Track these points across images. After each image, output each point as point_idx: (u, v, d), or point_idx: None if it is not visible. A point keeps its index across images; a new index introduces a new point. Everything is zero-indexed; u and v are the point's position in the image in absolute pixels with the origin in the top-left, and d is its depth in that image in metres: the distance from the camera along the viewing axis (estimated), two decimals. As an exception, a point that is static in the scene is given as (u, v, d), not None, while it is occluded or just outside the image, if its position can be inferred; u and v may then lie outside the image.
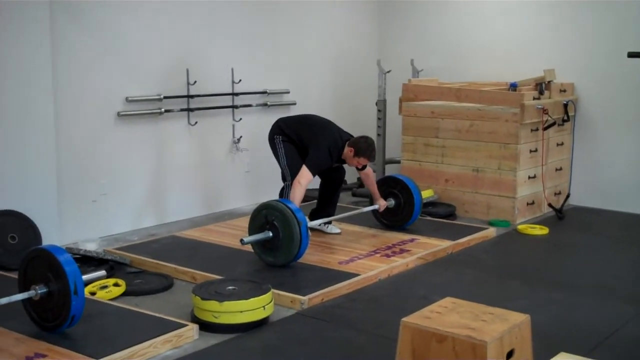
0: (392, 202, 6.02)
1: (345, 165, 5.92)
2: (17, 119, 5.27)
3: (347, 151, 5.55)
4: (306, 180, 5.40)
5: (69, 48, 5.61)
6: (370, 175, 5.89)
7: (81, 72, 5.74)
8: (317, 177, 5.83)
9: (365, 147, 5.50)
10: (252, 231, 5.12)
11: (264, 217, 5.04)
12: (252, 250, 5.18)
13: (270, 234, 4.99)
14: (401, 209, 6.03)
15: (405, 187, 6.00)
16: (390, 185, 6.08)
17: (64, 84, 5.59)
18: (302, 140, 5.65)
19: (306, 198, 6.68)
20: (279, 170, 5.77)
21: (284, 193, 5.65)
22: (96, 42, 5.81)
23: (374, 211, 6.06)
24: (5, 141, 5.22)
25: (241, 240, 5.01)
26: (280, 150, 5.67)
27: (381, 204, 5.92)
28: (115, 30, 5.93)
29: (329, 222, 5.92)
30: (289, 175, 5.61)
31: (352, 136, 5.67)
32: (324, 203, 5.94)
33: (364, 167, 5.76)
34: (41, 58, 5.36)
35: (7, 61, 5.17)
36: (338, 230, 5.94)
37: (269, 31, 7.26)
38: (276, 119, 5.89)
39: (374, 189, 5.92)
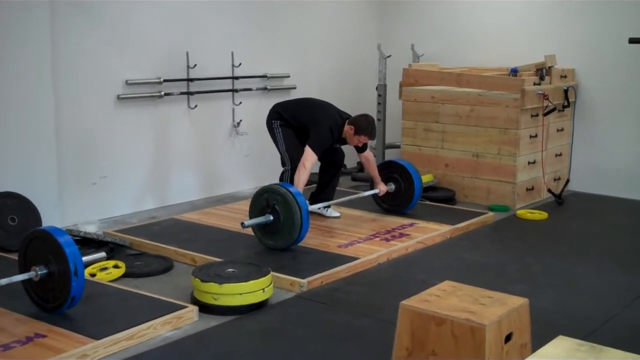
0: (392, 186, 6.03)
1: (345, 149, 5.92)
2: (18, 102, 5.26)
3: (348, 129, 5.55)
4: (310, 162, 5.41)
5: (69, 31, 5.59)
6: (371, 160, 5.89)
7: (81, 55, 5.72)
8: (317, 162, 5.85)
9: (365, 125, 5.51)
10: (253, 214, 5.13)
11: (265, 200, 5.05)
12: (253, 234, 5.19)
13: (271, 218, 5.00)
14: (401, 194, 6.04)
15: (405, 172, 6.01)
16: (390, 170, 6.09)
17: (64, 66, 5.58)
18: (300, 123, 5.65)
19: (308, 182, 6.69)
20: (279, 154, 5.77)
21: (284, 177, 5.65)
22: (96, 25, 5.80)
23: (374, 195, 6.07)
24: (6, 123, 5.22)
25: (242, 224, 5.02)
26: (279, 134, 5.67)
27: (382, 188, 5.93)
28: (115, 13, 5.91)
29: (328, 206, 5.93)
30: (288, 159, 5.62)
31: (350, 115, 5.67)
32: (323, 187, 5.94)
33: (365, 148, 5.76)
34: (41, 41, 5.34)
35: (7, 44, 5.16)
36: (337, 214, 5.95)
37: (269, 15, 7.24)
38: (273, 104, 5.88)
39: (374, 173, 5.93)
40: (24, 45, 5.24)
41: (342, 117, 5.64)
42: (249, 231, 5.33)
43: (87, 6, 5.72)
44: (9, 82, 5.20)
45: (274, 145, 5.80)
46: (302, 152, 5.49)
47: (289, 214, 4.93)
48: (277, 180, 5.73)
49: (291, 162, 5.58)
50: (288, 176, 5.57)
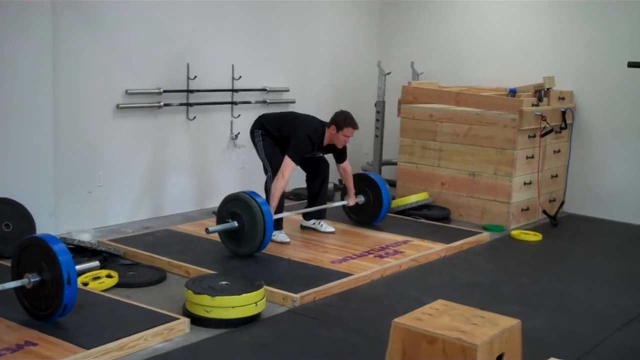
0: (362, 199, 6.16)
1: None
2: (16, 109, 5.26)
3: (330, 132, 5.58)
4: (289, 170, 5.43)
5: (70, 40, 5.61)
6: (348, 171, 5.95)
7: (82, 63, 5.73)
8: (302, 174, 5.91)
9: (343, 118, 5.56)
10: (219, 221, 5.23)
11: (231, 207, 5.14)
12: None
13: (236, 224, 5.09)
14: (370, 207, 6.17)
15: (375, 186, 6.14)
16: (362, 183, 6.19)
17: (64, 74, 5.59)
18: (282, 134, 5.67)
19: (297, 197, 6.72)
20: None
21: (267, 185, 5.63)
22: (97, 35, 5.82)
23: (344, 206, 6.15)
24: (4, 130, 5.22)
25: (206, 230, 5.11)
26: (259, 143, 5.70)
27: (351, 201, 6.02)
28: (116, 23, 5.93)
29: (322, 220, 5.94)
30: (269, 166, 5.63)
31: None
32: (313, 200, 5.95)
33: (344, 158, 5.81)
34: (42, 49, 5.35)
35: (8, 52, 5.17)
36: (332, 229, 5.95)
37: (270, 29, 7.27)
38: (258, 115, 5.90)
39: (350, 184, 6.00)
40: (25, 53, 5.25)
41: (322, 125, 5.67)
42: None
43: (89, 16, 5.74)
44: (9, 90, 5.21)
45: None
46: (282, 159, 5.51)
47: (252, 222, 5.01)
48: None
49: (272, 167, 5.58)
50: (270, 183, 5.56)
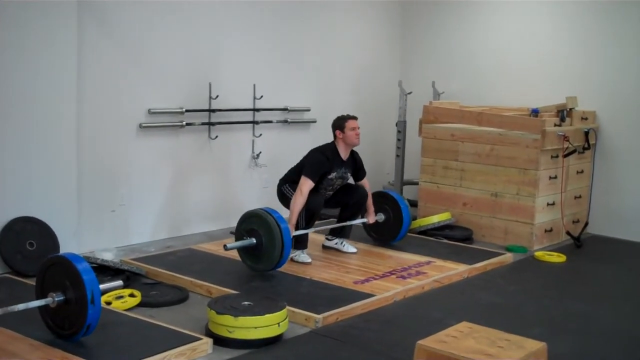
0: (382, 217, 6.14)
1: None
2: (41, 128, 5.32)
3: (338, 136, 5.61)
4: (307, 187, 5.41)
5: (94, 59, 5.67)
6: (367, 188, 5.92)
7: (106, 83, 5.80)
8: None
9: (338, 119, 5.64)
10: (237, 238, 5.26)
11: (249, 224, 5.17)
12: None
13: (254, 241, 5.11)
14: (390, 225, 6.14)
15: (395, 204, 6.12)
16: (382, 201, 6.17)
17: (89, 94, 5.65)
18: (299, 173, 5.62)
19: (322, 216, 6.70)
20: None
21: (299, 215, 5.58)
22: (121, 54, 5.88)
23: (364, 224, 6.12)
24: (29, 149, 5.27)
25: (225, 246, 5.14)
26: (289, 192, 5.64)
27: (370, 219, 6.00)
28: (140, 43, 6.00)
29: (344, 240, 5.93)
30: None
31: None
32: (342, 226, 5.93)
33: (362, 176, 5.84)
34: (67, 68, 5.41)
35: (33, 70, 5.23)
36: (354, 250, 5.93)
37: (291, 49, 7.31)
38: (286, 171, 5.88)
39: (369, 202, 5.97)
40: (49, 72, 5.31)
41: (330, 142, 5.70)
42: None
43: (113, 36, 5.81)
44: (33, 109, 5.26)
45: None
46: (322, 197, 5.56)
47: (270, 238, 5.03)
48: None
49: (309, 201, 5.47)
50: (303, 216, 5.51)
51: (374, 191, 6.22)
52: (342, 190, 5.84)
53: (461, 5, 7.91)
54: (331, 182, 5.67)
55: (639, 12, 6.86)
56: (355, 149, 5.81)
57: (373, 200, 6.04)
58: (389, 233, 6.20)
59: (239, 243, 5.18)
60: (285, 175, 5.81)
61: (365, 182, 5.92)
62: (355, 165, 5.80)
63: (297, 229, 5.54)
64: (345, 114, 5.71)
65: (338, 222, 5.99)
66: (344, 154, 5.65)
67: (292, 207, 5.38)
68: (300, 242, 5.56)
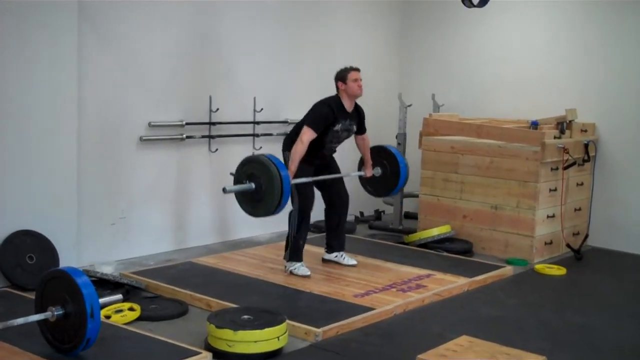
0: (378, 170, 6.13)
1: (355, 193, 5.91)
2: (41, 141, 5.32)
3: (341, 88, 5.59)
4: (307, 137, 5.38)
5: (95, 72, 5.68)
6: (367, 141, 5.93)
7: (106, 96, 5.81)
8: (321, 204, 5.87)
9: (341, 70, 5.63)
10: (236, 182, 5.23)
11: (249, 169, 5.15)
12: (266, 280, 5.26)
13: (253, 186, 5.10)
14: (386, 179, 6.14)
15: (392, 158, 6.12)
16: (380, 155, 6.16)
17: (89, 107, 5.66)
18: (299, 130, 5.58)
19: (318, 230, 6.69)
20: None
21: (290, 218, 5.56)
22: (122, 67, 5.89)
23: (360, 177, 6.15)
24: (29, 162, 5.27)
25: (223, 189, 5.13)
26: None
27: (368, 173, 6.00)
28: (141, 56, 6.01)
29: (344, 253, 5.93)
30: (296, 199, 5.49)
31: None
32: (332, 232, 5.93)
33: (363, 131, 5.82)
34: (67, 81, 5.43)
35: (34, 84, 5.24)
36: (354, 262, 5.93)
37: (291, 63, 7.32)
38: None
39: (367, 156, 5.99)
40: (50, 85, 5.32)
41: (334, 95, 5.67)
42: (266, 277, 5.36)
43: (113, 48, 5.83)
44: (34, 122, 5.27)
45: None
46: (312, 195, 5.53)
47: (270, 185, 5.01)
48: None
49: (300, 200, 5.48)
50: (295, 216, 5.50)
51: (373, 145, 6.22)
52: (335, 188, 5.81)
53: (460, 17, 7.93)
54: (337, 135, 5.62)
55: (639, 25, 6.88)
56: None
57: (371, 154, 6.04)
58: (384, 187, 6.20)
59: (238, 187, 5.16)
60: (288, 136, 5.72)
61: (365, 136, 5.90)
62: (360, 117, 5.77)
63: (287, 236, 5.55)
64: (347, 66, 5.67)
65: (326, 230, 5.97)
66: (348, 105, 5.61)
67: (293, 155, 5.33)
68: (296, 253, 5.55)
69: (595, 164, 7.10)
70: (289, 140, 5.62)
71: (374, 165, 6.07)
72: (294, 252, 5.55)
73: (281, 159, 5.44)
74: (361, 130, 5.84)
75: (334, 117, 5.51)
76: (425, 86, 8.22)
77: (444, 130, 7.15)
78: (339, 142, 5.73)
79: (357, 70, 5.65)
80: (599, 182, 7.11)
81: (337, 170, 5.88)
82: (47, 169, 5.37)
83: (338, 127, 5.57)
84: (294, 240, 5.55)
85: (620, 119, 7.02)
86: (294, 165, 5.32)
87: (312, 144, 5.46)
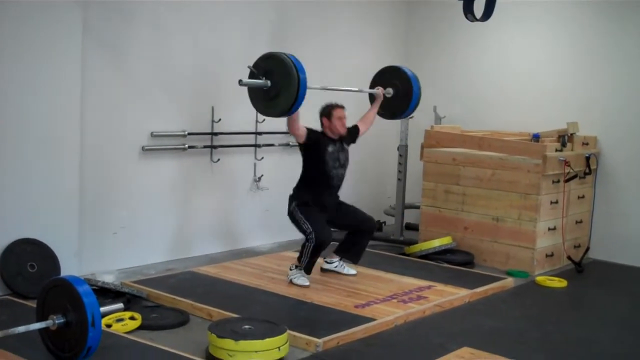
0: (390, 91, 6.10)
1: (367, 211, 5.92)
2: (43, 149, 5.33)
3: (324, 123, 5.67)
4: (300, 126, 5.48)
5: (97, 81, 5.70)
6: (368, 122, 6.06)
7: (108, 105, 5.82)
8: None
9: (325, 106, 5.71)
10: (252, 76, 5.18)
11: (267, 65, 5.12)
12: (267, 290, 5.26)
13: (269, 84, 5.08)
14: (398, 100, 6.10)
15: (405, 78, 6.07)
16: (392, 76, 6.15)
17: (92, 117, 5.67)
18: (305, 167, 5.72)
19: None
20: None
21: (305, 246, 5.52)
22: (124, 77, 5.91)
23: (370, 95, 6.20)
24: (30, 170, 5.28)
25: (239, 81, 5.07)
26: (298, 215, 5.57)
27: (380, 90, 6.05)
28: (143, 66, 6.03)
29: (344, 262, 5.93)
30: (309, 226, 5.47)
31: None
32: (348, 246, 5.90)
33: (357, 133, 5.88)
34: (70, 91, 5.44)
35: (36, 93, 5.25)
36: (354, 272, 5.92)
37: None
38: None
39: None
40: (52, 95, 5.34)
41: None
42: (268, 287, 5.37)
43: (117, 58, 5.85)
44: (36, 131, 5.28)
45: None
46: (321, 219, 5.54)
47: (286, 86, 4.99)
48: (294, 237, 5.75)
49: (312, 228, 5.44)
50: (311, 246, 5.47)
51: (385, 66, 6.27)
52: (352, 217, 5.83)
53: (463, 31, 7.95)
54: (335, 157, 5.66)
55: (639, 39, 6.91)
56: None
57: (384, 73, 6.13)
58: (397, 108, 6.15)
59: (254, 81, 5.12)
60: (293, 190, 5.76)
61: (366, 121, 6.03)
62: (350, 134, 5.82)
63: (299, 260, 5.54)
64: (333, 103, 5.72)
65: (346, 239, 5.91)
66: (329, 132, 5.68)
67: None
68: (307, 267, 5.56)
69: (596, 177, 7.11)
70: (296, 195, 5.69)
71: (385, 87, 6.08)
72: (309, 265, 5.56)
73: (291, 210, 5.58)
74: (357, 135, 5.89)
75: (323, 139, 5.62)
76: (427, 98, 8.17)
77: (445, 142, 7.17)
78: (342, 165, 5.74)
79: (342, 107, 5.73)
80: (600, 195, 7.12)
81: (354, 209, 5.89)
82: (49, 178, 5.38)
83: (331, 148, 5.65)
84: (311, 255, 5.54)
85: (622, 132, 7.03)
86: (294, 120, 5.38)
87: (319, 177, 5.57)
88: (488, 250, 6.73)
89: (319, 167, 5.61)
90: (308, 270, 5.60)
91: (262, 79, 5.11)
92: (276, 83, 5.06)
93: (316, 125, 5.74)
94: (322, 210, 5.63)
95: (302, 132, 5.53)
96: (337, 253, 5.94)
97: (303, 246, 5.55)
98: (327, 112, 5.67)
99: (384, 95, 6.07)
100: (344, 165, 5.77)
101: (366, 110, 6.16)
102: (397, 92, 6.10)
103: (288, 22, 7.24)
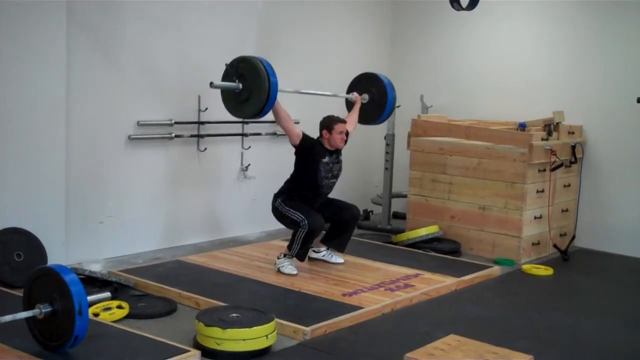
0: (366, 97, 6.21)
1: (356, 203, 5.94)
2: (29, 138, 5.31)
3: (324, 135, 5.67)
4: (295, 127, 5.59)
5: (83, 70, 5.67)
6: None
7: (95, 94, 5.80)
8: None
9: (329, 120, 5.72)
10: (226, 77, 5.30)
11: (241, 68, 5.20)
12: (254, 278, 5.27)
13: (241, 86, 5.17)
14: (373, 107, 6.21)
15: (380, 85, 6.18)
16: (367, 83, 6.25)
17: (77, 105, 5.65)
18: (296, 170, 5.76)
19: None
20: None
21: (299, 234, 5.52)
22: (110, 66, 5.88)
23: (347, 100, 6.31)
24: (16, 159, 5.26)
25: (211, 84, 5.19)
26: (284, 209, 5.59)
27: (356, 95, 6.16)
28: (129, 55, 6.00)
29: (331, 251, 5.95)
30: (300, 215, 5.49)
31: None
32: (334, 235, 5.92)
33: (346, 134, 5.82)
34: (56, 79, 5.42)
35: (21, 81, 5.23)
36: (342, 260, 5.94)
37: (280, 62, 7.29)
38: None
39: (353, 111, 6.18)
40: (38, 84, 5.31)
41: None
42: (255, 276, 5.38)
43: (102, 47, 5.82)
44: (22, 120, 5.26)
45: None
46: (309, 208, 5.55)
47: (257, 89, 5.09)
48: (281, 225, 5.75)
49: (303, 216, 5.46)
50: (304, 232, 5.47)
51: (362, 73, 6.37)
52: (336, 207, 5.84)
53: (449, 20, 7.96)
54: (329, 168, 5.67)
55: (624, 28, 6.94)
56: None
57: (360, 80, 6.27)
58: (370, 114, 6.25)
59: (225, 84, 5.24)
60: (280, 189, 5.79)
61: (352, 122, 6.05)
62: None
63: (290, 249, 5.55)
64: (335, 116, 5.76)
65: (331, 227, 5.92)
66: (327, 144, 5.69)
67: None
68: (301, 253, 5.57)
69: (582, 166, 7.16)
70: (282, 190, 5.72)
71: (361, 93, 6.18)
72: (300, 252, 5.57)
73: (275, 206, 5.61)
74: (347, 138, 5.87)
75: (319, 149, 5.63)
76: (413, 87, 8.24)
77: (432, 131, 7.18)
78: (334, 175, 5.76)
79: (344, 122, 5.75)
80: (585, 183, 7.17)
81: (336, 200, 5.92)
82: (35, 167, 5.36)
83: (327, 159, 5.66)
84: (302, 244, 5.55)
85: (607, 121, 7.07)
86: (279, 108, 5.45)
87: (309, 184, 5.61)
88: (474, 238, 6.77)
89: (310, 175, 5.63)
90: (301, 257, 5.61)
91: (235, 81, 5.18)
92: (247, 87, 5.15)
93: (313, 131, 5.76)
94: (311, 206, 5.66)
95: (297, 133, 5.58)
96: (324, 242, 5.95)
97: (294, 234, 5.56)
98: (328, 125, 5.67)
99: (360, 100, 6.16)
100: (336, 177, 5.81)
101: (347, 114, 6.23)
102: (372, 99, 6.21)
103: (276, 10, 7.22)
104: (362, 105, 6.19)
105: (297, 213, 5.51)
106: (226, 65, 5.28)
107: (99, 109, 5.84)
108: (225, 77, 5.31)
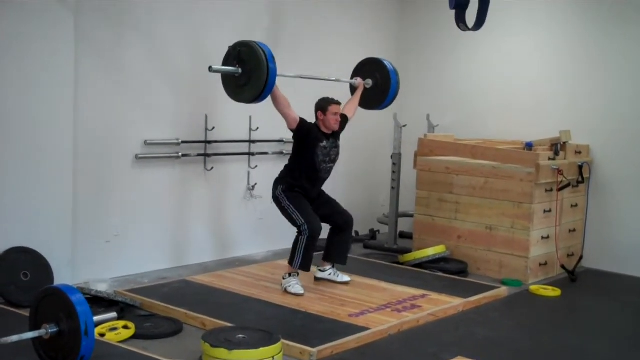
0: (369, 82, 6.20)
1: (352, 212, 5.93)
2: (37, 158, 5.32)
3: (319, 117, 5.69)
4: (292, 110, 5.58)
5: (91, 89, 5.70)
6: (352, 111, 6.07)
7: (102, 113, 5.82)
8: (326, 225, 5.85)
9: (323, 100, 5.72)
10: (227, 60, 5.31)
11: (242, 53, 5.20)
12: (261, 299, 5.25)
13: (240, 71, 5.19)
14: (376, 92, 6.21)
15: (384, 71, 6.18)
16: (372, 68, 6.25)
17: (85, 124, 5.67)
18: (295, 155, 5.76)
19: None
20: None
21: (300, 241, 5.57)
22: (119, 85, 5.91)
23: (351, 85, 6.29)
24: (24, 178, 5.27)
25: (209, 68, 5.19)
26: (284, 201, 5.62)
27: (359, 80, 6.16)
28: (137, 74, 6.03)
29: (338, 271, 5.92)
30: (300, 217, 5.53)
31: None
32: (331, 247, 5.91)
33: (345, 117, 5.88)
34: (64, 98, 5.44)
35: (30, 101, 5.25)
36: (348, 279, 5.92)
37: (287, 82, 7.30)
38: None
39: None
40: (46, 102, 5.33)
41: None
42: (262, 296, 5.36)
43: (111, 66, 5.85)
44: (29, 139, 5.27)
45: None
46: (317, 217, 5.54)
47: (257, 75, 5.11)
48: (288, 245, 5.74)
49: (304, 220, 5.50)
50: (305, 238, 5.51)
51: (366, 58, 6.36)
52: (331, 208, 5.84)
53: (455, 40, 7.97)
54: (326, 152, 5.67)
55: (631, 47, 6.95)
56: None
57: (364, 65, 6.24)
58: (374, 99, 6.25)
59: (224, 68, 5.27)
60: (280, 174, 5.79)
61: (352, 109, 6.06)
62: (340, 125, 5.82)
63: (292, 263, 5.54)
64: (329, 97, 5.76)
65: (326, 246, 5.93)
66: (324, 127, 5.70)
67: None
68: (305, 263, 5.56)
69: (589, 186, 7.14)
70: (282, 178, 5.73)
71: (365, 78, 6.18)
72: (304, 262, 5.56)
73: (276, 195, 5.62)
74: (346, 123, 5.91)
75: (316, 132, 5.64)
76: (420, 107, 8.26)
77: (439, 150, 7.18)
78: (331, 160, 5.75)
79: (339, 103, 5.75)
80: (593, 203, 7.14)
81: (333, 200, 5.93)
82: (42, 186, 5.37)
83: (324, 143, 5.66)
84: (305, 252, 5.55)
85: (614, 140, 7.06)
86: (278, 92, 5.47)
87: (307, 169, 5.59)
88: (482, 259, 6.74)
89: (308, 159, 5.63)
90: (306, 267, 5.60)
91: (235, 65, 5.21)
92: (247, 72, 5.18)
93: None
94: (305, 196, 5.66)
95: (295, 118, 5.59)
96: (326, 260, 5.94)
97: (295, 244, 5.56)
98: (323, 106, 5.69)
99: (363, 85, 6.17)
100: (334, 161, 5.81)
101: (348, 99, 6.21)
102: (376, 84, 6.21)
103: (281, 27, 7.24)
104: (366, 90, 6.20)
105: (297, 213, 5.53)
106: (229, 47, 5.32)
107: (106, 128, 5.86)
108: (227, 59, 5.33)
